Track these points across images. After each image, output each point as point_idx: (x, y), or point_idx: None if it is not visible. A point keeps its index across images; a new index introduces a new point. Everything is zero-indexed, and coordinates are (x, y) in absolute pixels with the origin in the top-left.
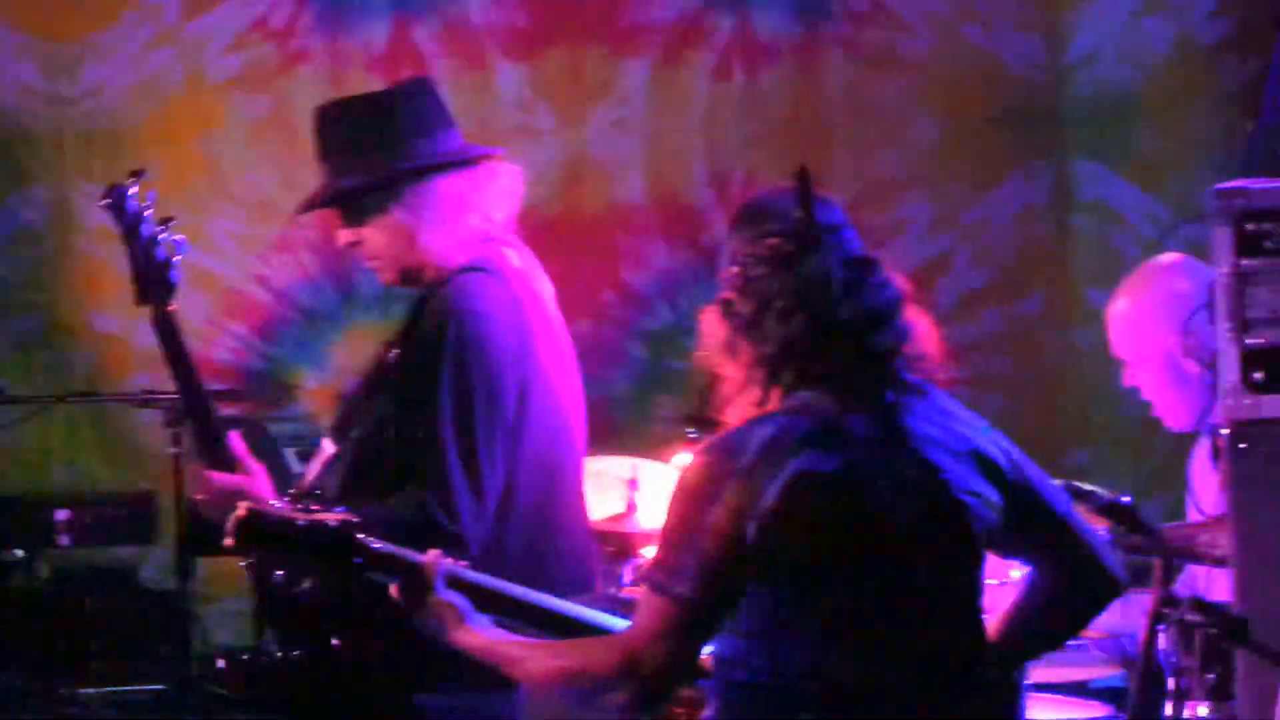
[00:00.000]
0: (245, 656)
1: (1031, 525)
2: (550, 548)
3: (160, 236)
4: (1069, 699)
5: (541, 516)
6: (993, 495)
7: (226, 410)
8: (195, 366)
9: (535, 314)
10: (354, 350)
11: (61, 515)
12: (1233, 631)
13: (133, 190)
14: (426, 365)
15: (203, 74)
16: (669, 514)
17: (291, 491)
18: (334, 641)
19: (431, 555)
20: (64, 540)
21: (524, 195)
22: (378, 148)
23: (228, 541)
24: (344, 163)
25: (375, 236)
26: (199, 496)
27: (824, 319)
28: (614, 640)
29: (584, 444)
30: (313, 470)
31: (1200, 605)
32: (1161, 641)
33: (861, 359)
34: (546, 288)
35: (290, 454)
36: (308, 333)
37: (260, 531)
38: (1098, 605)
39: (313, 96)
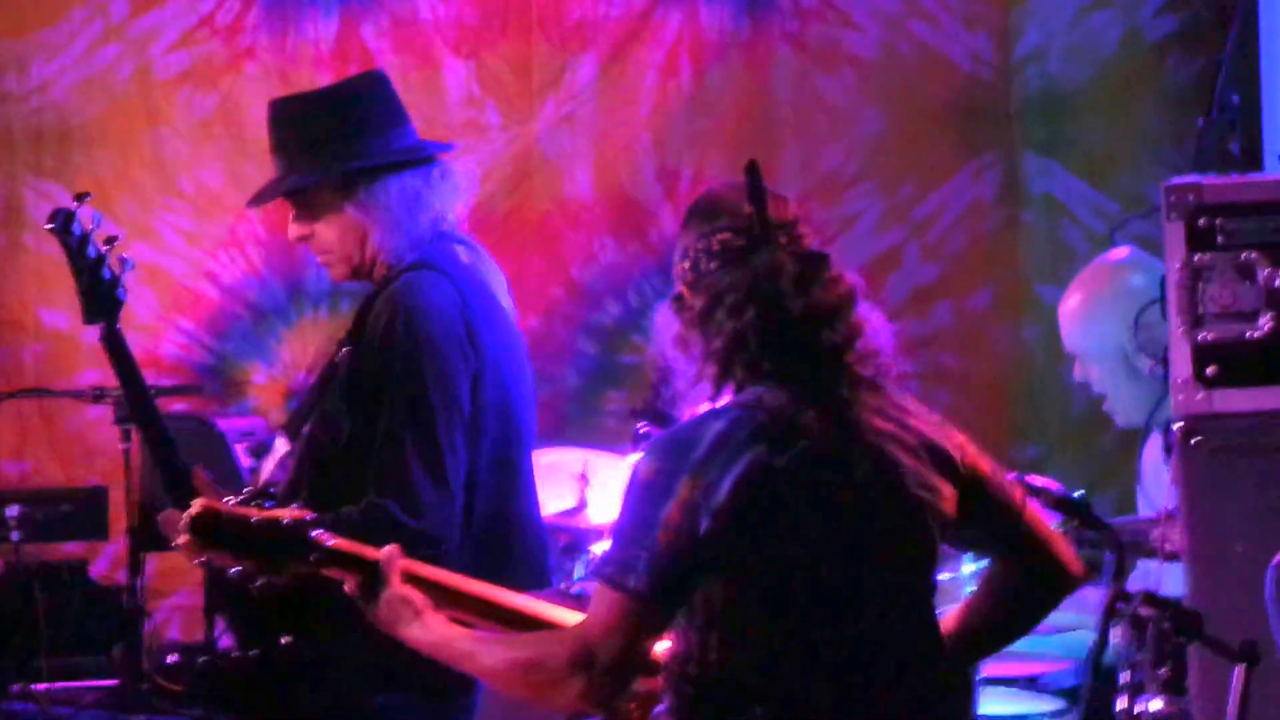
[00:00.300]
0: (198, 657)
1: (986, 519)
2: (507, 543)
3: (107, 256)
4: (1021, 693)
5: (498, 511)
6: (947, 490)
7: (175, 406)
8: (145, 385)
9: (483, 310)
10: (302, 346)
11: (12, 511)
12: (1186, 626)
13: (79, 212)
14: (377, 363)
15: (150, 70)
16: (622, 508)
17: (246, 489)
18: (283, 639)
19: (387, 551)
20: (14, 536)
21: (474, 192)
22: (331, 143)
23: (181, 540)
24: (297, 157)
25: (326, 232)
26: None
27: (775, 314)
28: (567, 633)
29: (534, 438)
30: (266, 468)
31: (1153, 600)
32: (1113, 636)
33: (814, 354)
34: (498, 282)
35: (240, 450)
36: (256, 328)
37: (215, 528)
38: (1054, 598)
39: (260, 93)
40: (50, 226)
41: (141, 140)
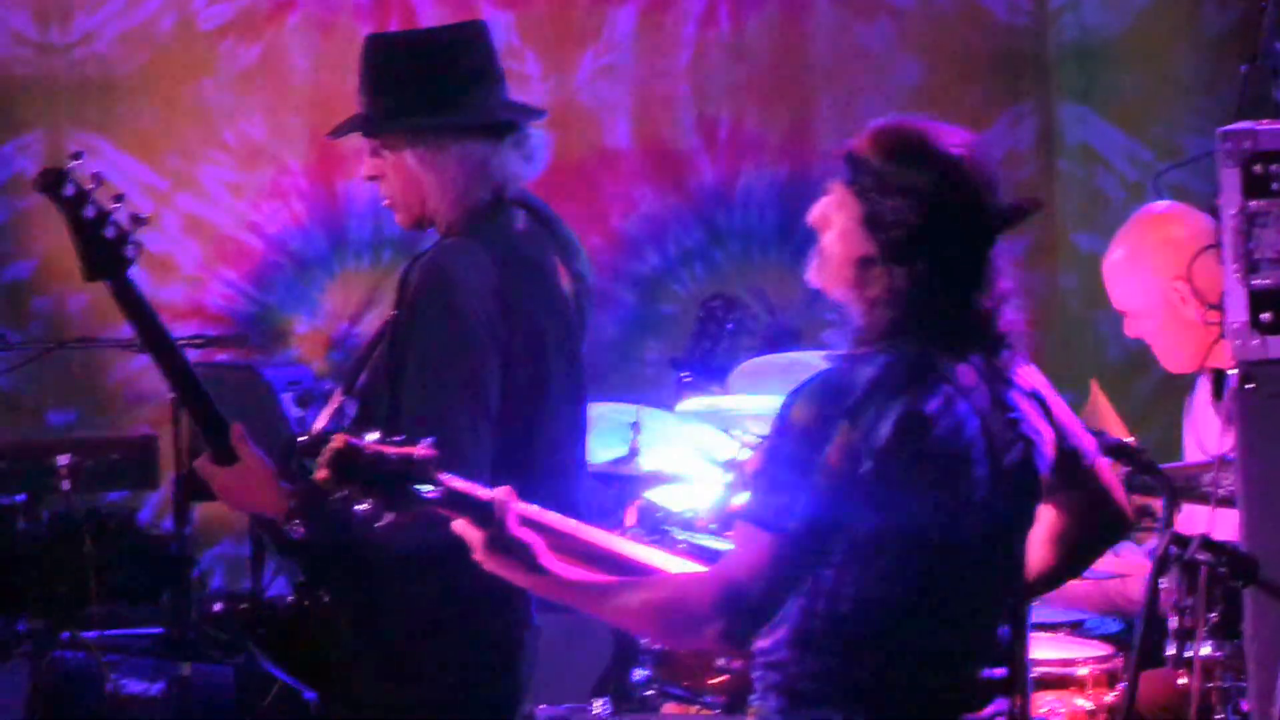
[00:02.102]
0: (243, 605)
1: (1065, 464)
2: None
3: (111, 214)
4: (1067, 638)
5: (527, 485)
6: (1048, 434)
7: (220, 356)
8: (168, 335)
9: (526, 283)
10: (345, 296)
11: (62, 460)
12: (1241, 571)
13: (73, 171)
14: (405, 329)
15: (193, 22)
16: (771, 453)
17: (303, 438)
18: (324, 596)
19: (501, 492)
20: (64, 485)
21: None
22: (410, 91)
23: (320, 475)
24: (377, 97)
25: (391, 178)
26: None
27: (969, 307)
28: (710, 576)
29: (583, 408)
30: (322, 418)
31: (1209, 545)
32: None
33: (974, 337)
34: (558, 249)
35: (287, 399)
36: (299, 279)
37: (353, 463)
38: (1107, 544)
39: (302, 44)
40: (39, 185)
41: (184, 92)
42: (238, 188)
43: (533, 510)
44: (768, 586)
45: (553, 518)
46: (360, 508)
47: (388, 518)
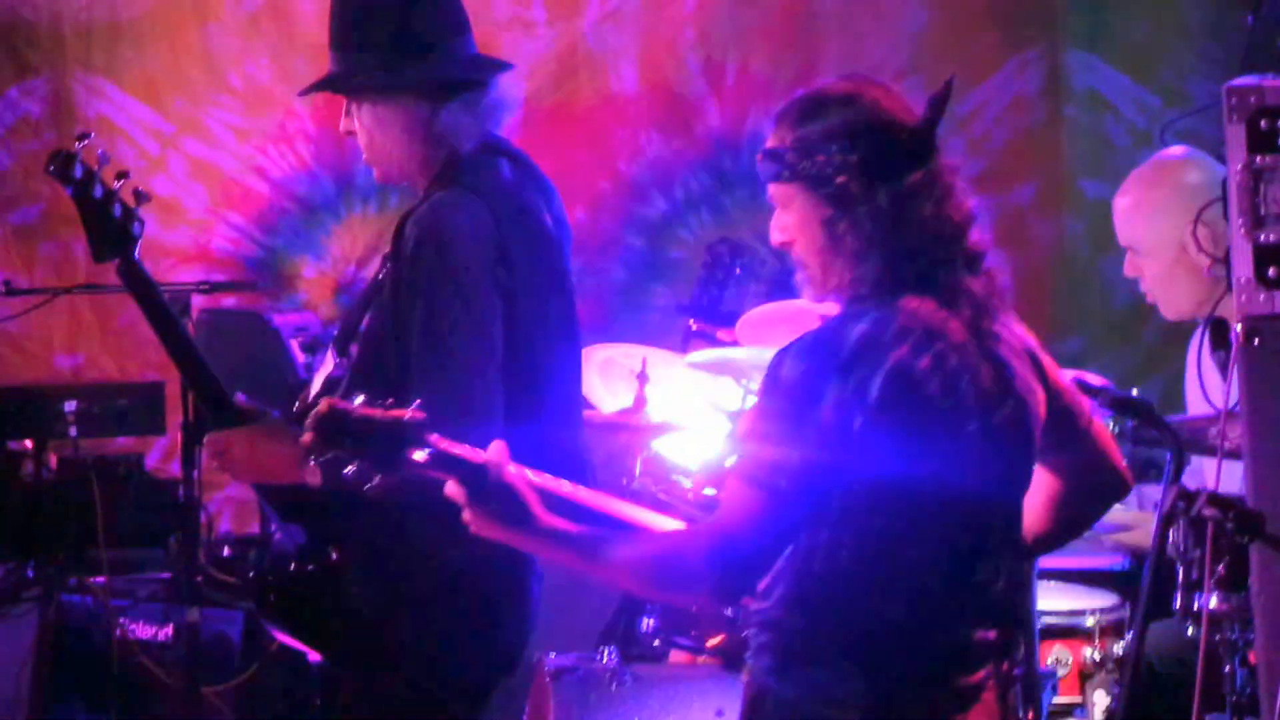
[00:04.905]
0: (251, 551)
1: (1060, 424)
2: (540, 465)
3: (116, 193)
4: (1076, 587)
5: (526, 434)
6: (1040, 393)
7: (227, 301)
8: (171, 312)
9: (519, 229)
10: (352, 240)
11: (70, 406)
12: (1248, 526)
13: (82, 151)
14: (406, 287)
15: None
16: (763, 410)
17: (297, 406)
18: (333, 555)
19: (493, 450)
20: (72, 431)
21: (519, 105)
22: (384, 46)
23: (307, 438)
24: (350, 53)
25: (369, 133)
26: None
27: (939, 223)
28: (703, 531)
29: (578, 355)
30: (318, 380)
31: (1216, 500)
32: (1171, 534)
33: (956, 259)
34: (544, 195)
35: (294, 345)
36: (306, 223)
37: (341, 425)
38: (1106, 504)
39: None
40: (50, 170)
41: (191, 35)
42: (244, 132)
43: (524, 471)
44: (759, 544)
45: (541, 478)
46: (348, 470)
47: (376, 480)
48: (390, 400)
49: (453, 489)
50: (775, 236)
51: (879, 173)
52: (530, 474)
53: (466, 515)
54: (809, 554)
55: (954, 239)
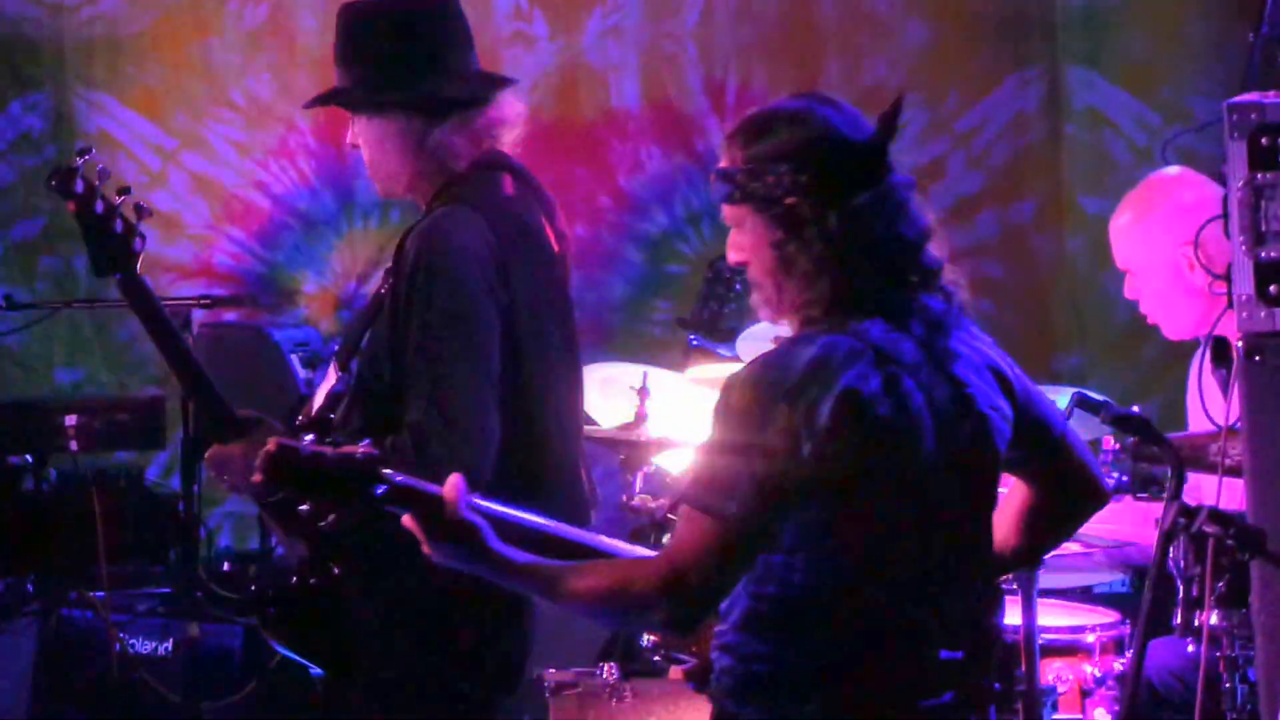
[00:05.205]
0: (251, 566)
1: (1031, 438)
2: (537, 483)
3: (118, 208)
4: (1075, 604)
5: (528, 453)
6: (1009, 410)
7: (228, 316)
8: (173, 326)
9: (519, 245)
10: (353, 256)
11: (70, 421)
12: (1248, 543)
13: (83, 167)
14: (406, 304)
15: None
16: (714, 436)
17: (300, 420)
18: (335, 570)
19: (450, 483)
20: (72, 445)
21: (522, 121)
22: (390, 62)
23: (256, 478)
24: (355, 69)
25: (373, 148)
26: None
27: (893, 242)
28: (656, 559)
29: (578, 370)
30: (317, 399)
31: (1217, 516)
32: (1171, 551)
33: (909, 281)
34: (543, 210)
35: (295, 360)
36: (307, 238)
37: (291, 466)
38: (1082, 517)
39: (310, 4)
40: (51, 184)
41: (192, 51)
42: (245, 147)
43: (478, 500)
44: (712, 571)
45: (497, 508)
46: (303, 509)
47: (330, 518)
48: (340, 439)
49: (410, 523)
50: (731, 256)
51: (828, 193)
52: (491, 505)
53: (425, 549)
54: (764, 577)
55: (908, 258)
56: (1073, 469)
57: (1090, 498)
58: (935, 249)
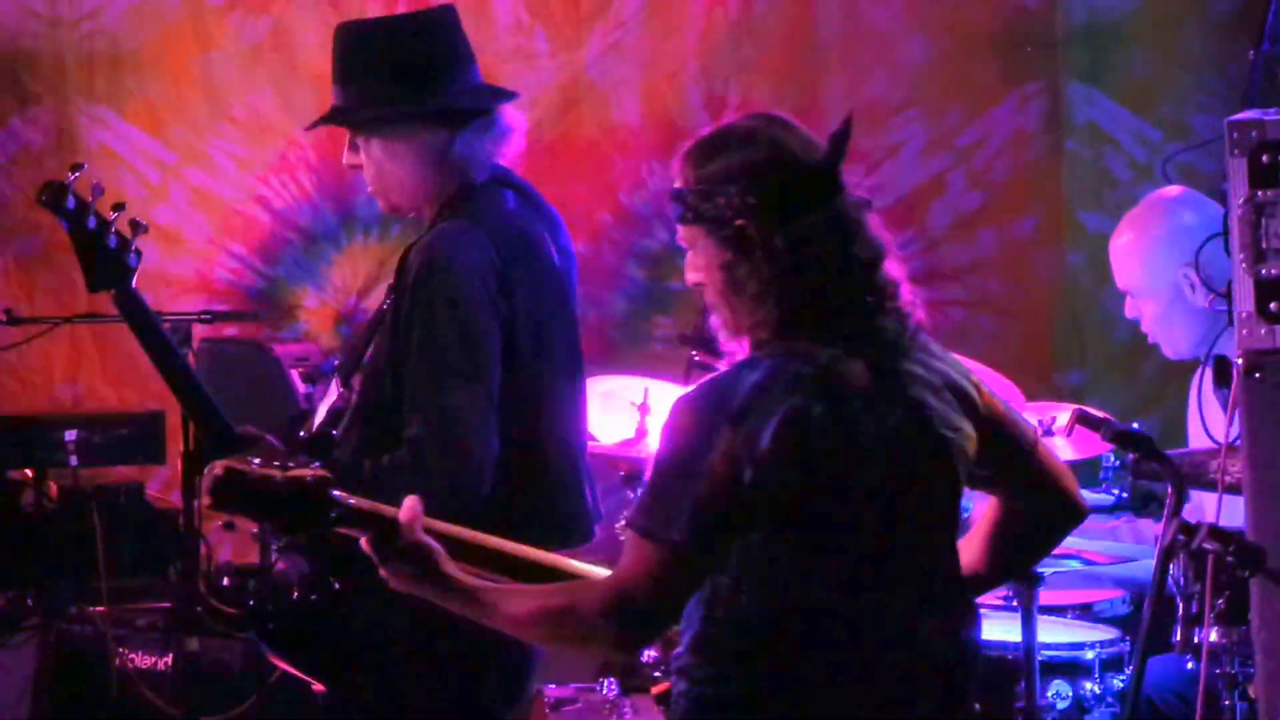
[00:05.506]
0: (253, 582)
1: (1001, 457)
2: (539, 498)
3: (112, 223)
4: (1075, 622)
5: (530, 468)
6: (968, 429)
7: (228, 331)
8: (170, 341)
9: (521, 261)
10: (353, 271)
11: (70, 435)
12: (1248, 560)
13: (72, 185)
14: (407, 319)
15: None
16: (657, 460)
17: (301, 436)
18: (336, 585)
19: (406, 506)
20: (72, 460)
21: (523, 136)
22: (390, 79)
23: (205, 501)
24: (355, 87)
25: (375, 166)
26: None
27: (844, 263)
28: (601, 583)
29: (581, 386)
30: (319, 415)
31: (1217, 534)
32: (1171, 568)
33: (862, 303)
34: (547, 226)
35: (295, 375)
36: (307, 253)
37: (238, 490)
38: (1059, 534)
39: (311, 18)
40: (42, 200)
41: (192, 65)
42: (246, 161)
43: (432, 521)
44: (656, 596)
45: (452, 527)
46: (256, 531)
47: (284, 540)
48: (290, 463)
49: (365, 546)
50: (688, 277)
51: (777, 214)
52: (450, 527)
53: (382, 571)
54: (712, 601)
55: (859, 279)
56: (1047, 485)
57: (1066, 514)
58: (891, 269)
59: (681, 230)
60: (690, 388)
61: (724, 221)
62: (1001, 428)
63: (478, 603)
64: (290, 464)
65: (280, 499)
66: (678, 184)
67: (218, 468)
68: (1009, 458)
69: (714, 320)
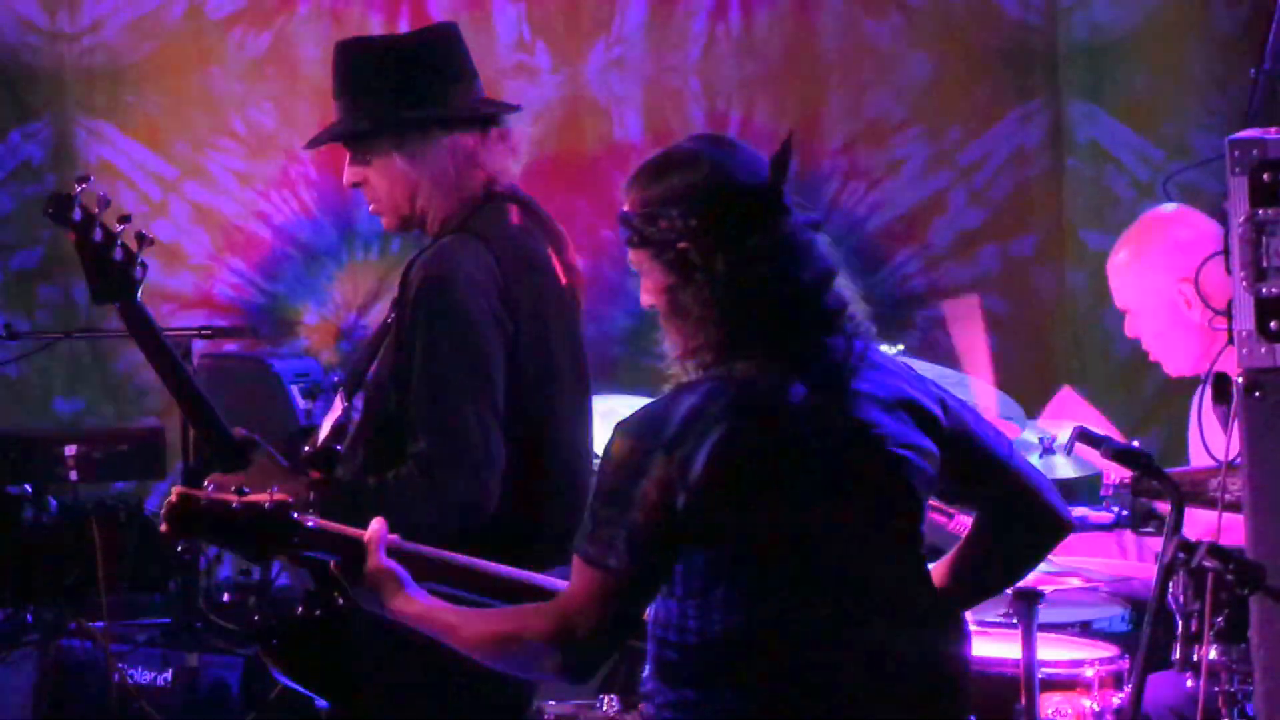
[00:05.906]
0: (251, 597)
1: (971, 471)
2: (544, 514)
3: (118, 236)
4: (1074, 638)
5: (530, 483)
6: (929, 445)
7: (229, 346)
8: (175, 355)
9: (524, 276)
10: (354, 286)
11: (69, 450)
12: (1248, 578)
13: (79, 196)
14: (410, 329)
15: (202, 10)
16: (597, 486)
17: (305, 451)
18: (339, 600)
19: (371, 528)
20: (71, 475)
21: (527, 151)
22: (390, 92)
23: (162, 529)
24: (356, 102)
25: (378, 182)
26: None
27: (791, 284)
28: (547, 608)
29: (587, 401)
30: (323, 431)
31: (1216, 551)
32: (1170, 585)
33: (809, 323)
34: (551, 242)
35: (295, 391)
36: (308, 269)
37: (194, 516)
38: (1044, 547)
39: (312, 33)
40: (48, 212)
41: (193, 80)
42: (246, 177)
43: (400, 541)
44: (599, 622)
45: (420, 547)
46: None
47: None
48: (247, 489)
49: (334, 566)
50: (643, 300)
51: (718, 237)
52: (418, 547)
53: (350, 591)
54: (666, 623)
55: (803, 301)
56: (1024, 497)
57: (1048, 527)
58: (841, 290)
59: (631, 254)
60: (629, 413)
61: (667, 245)
62: (966, 440)
63: (433, 624)
64: (246, 489)
65: (237, 524)
66: (625, 207)
67: (174, 494)
68: (977, 469)
69: (665, 343)
